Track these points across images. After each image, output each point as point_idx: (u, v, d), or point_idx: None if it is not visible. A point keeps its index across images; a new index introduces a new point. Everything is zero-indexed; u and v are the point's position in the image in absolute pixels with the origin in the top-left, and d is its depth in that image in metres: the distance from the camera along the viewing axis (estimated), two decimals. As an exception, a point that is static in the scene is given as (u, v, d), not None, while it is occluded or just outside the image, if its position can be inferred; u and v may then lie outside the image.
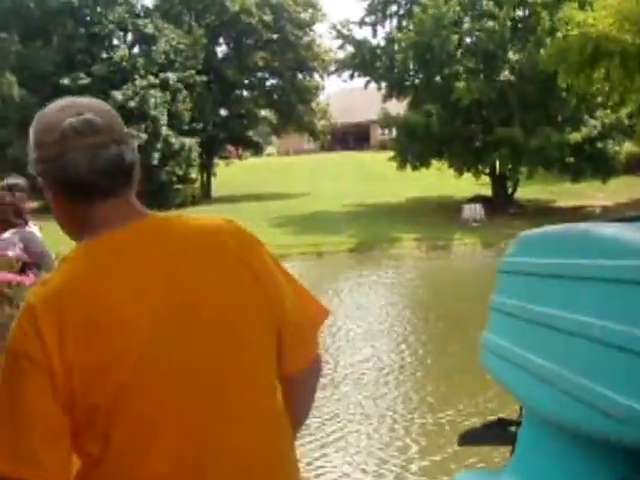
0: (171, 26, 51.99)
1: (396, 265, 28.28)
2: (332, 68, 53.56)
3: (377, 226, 36.38)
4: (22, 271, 3.18)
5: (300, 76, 59.89)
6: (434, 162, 43.52)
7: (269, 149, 74.14)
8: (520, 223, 28.72)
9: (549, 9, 38.59)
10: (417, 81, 44.92)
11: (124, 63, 49.15)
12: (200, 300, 1.83)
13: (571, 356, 2.58)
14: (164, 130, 48.43)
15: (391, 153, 45.14)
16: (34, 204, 7.29)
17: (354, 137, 75.77)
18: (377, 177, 51.55)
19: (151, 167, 47.43)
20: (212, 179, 56.31)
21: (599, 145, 40.14)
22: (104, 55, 50.95)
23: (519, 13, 42.71)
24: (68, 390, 1.70)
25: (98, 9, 50.93)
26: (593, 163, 40.32)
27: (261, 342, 1.92)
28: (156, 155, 47.83)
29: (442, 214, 39.94)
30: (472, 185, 44.02)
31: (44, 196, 1.93)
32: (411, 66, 43.97)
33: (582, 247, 2.69)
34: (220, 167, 57.82)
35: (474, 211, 39.17)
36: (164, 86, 49.49)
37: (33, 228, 4.18)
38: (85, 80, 47.83)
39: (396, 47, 44.45)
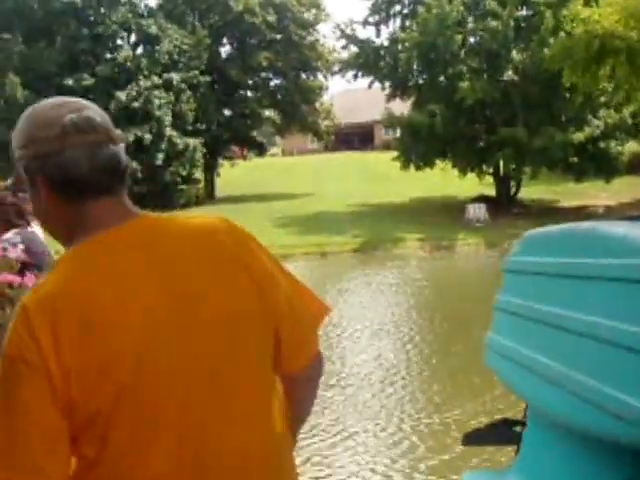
0: (174, 26, 51.98)
1: (400, 265, 28.24)
2: (336, 68, 53.49)
3: (381, 226, 36.36)
4: (22, 272, 3.16)
5: (304, 76, 59.86)
6: (438, 162, 43.51)
7: (273, 149, 74.17)
8: (524, 223, 28.67)
9: (553, 8, 38.51)
10: (421, 81, 44.86)
11: (128, 63, 49.13)
12: (197, 300, 1.82)
13: (577, 356, 2.56)
14: (168, 130, 48.43)
15: (395, 153, 45.10)
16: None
17: (358, 137, 75.76)
18: (381, 177, 51.52)
19: (155, 167, 47.51)
20: (216, 179, 56.30)
21: (602, 145, 40.08)
22: (108, 56, 50.92)
23: (522, 13, 42.64)
24: (67, 394, 1.68)
25: (101, 10, 50.94)
26: (596, 163, 40.26)
27: (258, 341, 1.90)
28: (160, 155, 47.86)
29: (446, 214, 39.90)
30: (476, 185, 43.99)
31: (30, 195, 1.91)
32: (415, 66, 43.90)
33: (588, 246, 2.67)
34: (224, 167, 57.85)
35: (478, 211, 39.11)
36: (168, 86, 49.49)
37: (35, 229, 4.15)
38: (89, 81, 47.88)
39: (400, 47, 44.35)
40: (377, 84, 47.64)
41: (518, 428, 3.53)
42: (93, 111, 1.89)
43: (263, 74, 59.49)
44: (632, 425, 2.20)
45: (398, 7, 47.64)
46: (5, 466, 1.68)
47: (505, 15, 40.03)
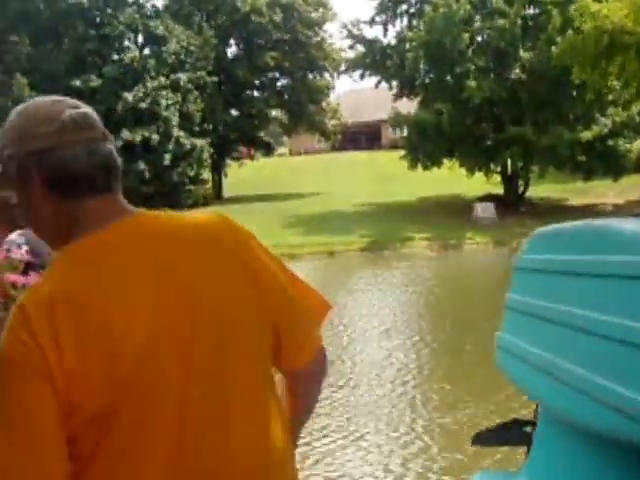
0: (181, 27, 52.09)
1: (408, 265, 28.24)
2: (343, 68, 53.51)
3: (388, 226, 36.37)
4: (26, 272, 3.13)
5: (311, 76, 60.00)
6: (445, 161, 43.51)
7: (281, 149, 74.27)
8: (532, 222, 28.63)
9: (560, 7, 38.47)
10: (428, 80, 44.87)
11: (135, 64, 49.24)
12: (196, 297, 1.79)
13: (590, 355, 2.52)
14: (175, 131, 48.54)
15: (402, 152, 45.12)
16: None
17: (365, 136, 75.76)
18: (388, 176, 51.53)
19: (163, 168, 47.61)
20: (223, 179, 56.43)
21: (610, 143, 40.03)
22: (115, 56, 51.04)
23: (530, 11, 42.65)
24: (67, 396, 1.65)
25: (108, 10, 51.07)
26: (604, 161, 40.20)
27: (258, 339, 1.89)
28: (167, 156, 47.97)
29: (453, 213, 39.89)
30: (483, 184, 44.00)
31: (18, 195, 1.86)
32: (422, 65, 43.89)
33: (600, 243, 2.63)
34: (232, 167, 57.96)
35: (486, 210, 39.08)
36: (175, 87, 49.59)
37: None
38: (96, 82, 47.98)
39: (407, 46, 44.38)
40: (384, 83, 47.68)
41: (529, 428, 3.49)
42: (88, 109, 1.88)
43: (270, 74, 59.65)
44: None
45: (405, 6, 47.68)
46: (7, 472, 1.65)
47: (512, 13, 40.07)
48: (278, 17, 55.50)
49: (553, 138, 38.36)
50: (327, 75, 60.39)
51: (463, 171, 43.46)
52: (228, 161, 58.13)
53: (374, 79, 48.06)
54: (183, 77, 50.28)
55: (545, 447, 3.08)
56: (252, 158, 62.10)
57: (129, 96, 47.28)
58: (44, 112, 1.82)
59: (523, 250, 3.34)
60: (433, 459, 8.10)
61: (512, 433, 3.70)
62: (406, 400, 10.38)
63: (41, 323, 1.66)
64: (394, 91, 46.98)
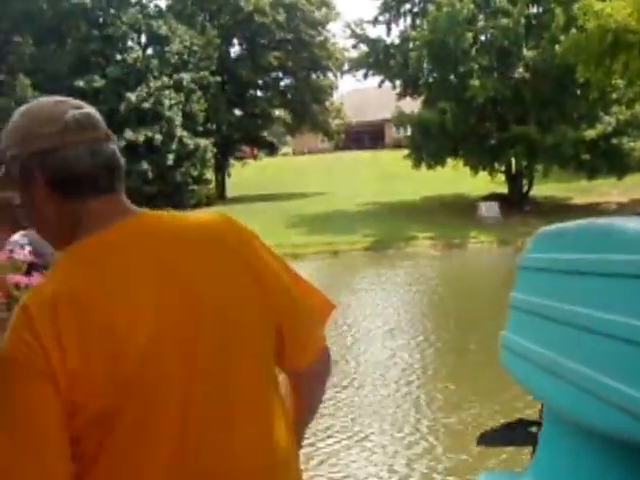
0: (184, 27, 52.08)
1: (412, 264, 28.21)
2: (346, 67, 53.46)
3: (392, 225, 36.34)
4: (29, 273, 3.13)
5: (314, 75, 59.97)
6: (449, 160, 43.46)
7: (284, 149, 74.26)
8: (536, 221, 28.63)
9: (563, 5, 38.42)
10: (431, 79, 44.82)
11: (138, 64, 49.26)
12: (199, 297, 1.79)
13: (594, 355, 2.51)
14: (179, 131, 48.56)
15: (405, 152, 45.11)
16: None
17: (368, 136, 75.73)
18: (392, 176, 51.49)
19: (166, 168, 47.63)
20: (227, 179, 56.42)
21: (614, 142, 39.94)
22: (118, 57, 51.03)
23: (533, 10, 42.62)
24: (70, 396, 1.64)
25: (111, 10, 51.10)
26: (608, 160, 40.10)
27: (261, 339, 1.88)
28: (171, 156, 47.99)
29: (457, 212, 39.86)
30: (487, 183, 43.94)
31: (21, 196, 1.85)
32: (425, 64, 43.85)
33: (605, 242, 2.62)
34: (235, 167, 57.96)
35: (490, 209, 39.06)
36: (178, 87, 49.60)
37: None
38: (99, 82, 48.01)
39: (410, 45, 44.37)
40: (387, 83, 47.67)
41: (534, 429, 3.48)
42: (92, 109, 1.87)
43: (273, 74, 59.65)
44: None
45: (408, 5, 47.64)
46: (10, 473, 1.64)
47: (516, 13, 40.04)
48: (281, 17, 55.49)
49: (557, 137, 38.31)
50: (330, 75, 60.43)
51: (467, 170, 43.42)
52: (231, 161, 58.14)
53: (377, 78, 48.07)
54: (186, 77, 50.28)
55: (550, 447, 3.07)
56: (255, 158, 62.10)
57: (132, 96, 47.30)
58: (47, 113, 1.82)
59: (527, 249, 3.33)
60: (438, 459, 8.07)
61: (517, 433, 3.69)
62: (410, 400, 10.36)
63: (44, 323, 1.65)
64: (397, 90, 46.94)
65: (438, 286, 22.34)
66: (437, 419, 9.43)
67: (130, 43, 52.41)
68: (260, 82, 58.93)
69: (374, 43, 47.52)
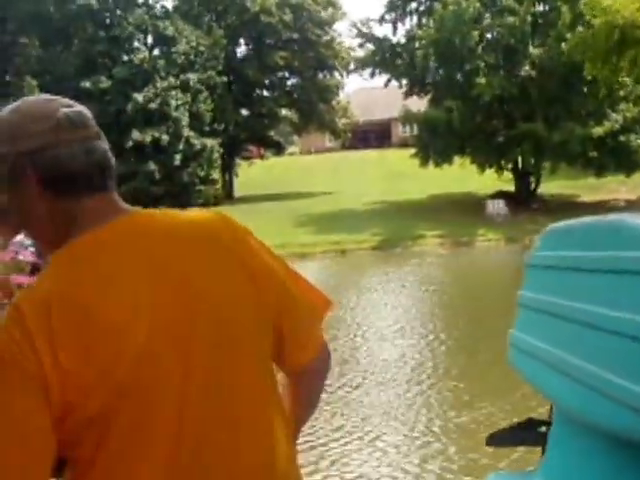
0: (191, 27, 52.17)
1: (420, 263, 28.20)
2: (352, 66, 53.51)
3: (400, 224, 36.36)
4: (32, 273, 3.12)
5: (320, 75, 60.05)
6: (456, 158, 43.48)
7: (291, 148, 74.35)
8: (544, 218, 28.56)
9: (569, 3, 38.39)
10: (438, 78, 44.88)
11: (144, 65, 49.35)
12: (194, 297, 1.76)
13: (603, 353, 2.48)
14: (185, 131, 48.64)
15: (412, 150, 45.17)
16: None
17: (375, 135, 75.78)
18: (399, 174, 51.53)
19: (173, 168, 47.70)
20: (234, 179, 56.51)
21: (622, 139, 39.89)
22: (124, 57, 51.14)
23: (539, 8, 42.62)
24: (63, 398, 1.61)
25: (118, 12, 51.23)
26: (616, 157, 40.07)
27: (259, 338, 1.86)
28: (178, 156, 48.08)
29: (465, 211, 39.85)
30: (495, 181, 43.96)
31: (9, 197, 1.79)
32: (432, 63, 43.89)
33: (614, 238, 2.58)
34: (242, 167, 58.05)
35: (497, 207, 39.08)
36: (185, 87, 49.68)
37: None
38: (106, 83, 48.11)
39: (416, 44, 44.43)
40: (394, 81, 47.70)
41: (543, 428, 3.45)
42: (82, 107, 1.84)
43: (280, 73, 59.73)
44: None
45: (414, 4, 47.71)
46: None
47: (522, 11, 40.09)
48: (288, 17, 55.54)
49: (564, 134, 38.29)
50: (337, 74, 60.48)
51: (474, 168, 43.44)
52: (238, 161, 58.24)
53: (384, 77, 48.17)
54: (193, 77, 50.37)
55: (560, 447, 3.04)
56: (262, 158, 62.17)
57: (139, 97, 47.39)
58: (39, 109, 1.79)
59: (535, 247, 3.30)
60: (451, 459, 8.05)
61: (527, 433, 3.66)
62: (422, 400, 10.34)
63: (36, 323, 1.62)
64: (404, 89, 47.00)
65: (447, 284, 22.33)
66: (449, 419, 9.40)
67: (137, 44, 52.54)
68: (267, 82, 59.01)
69: (380, 42, 47.59)
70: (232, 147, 55.54)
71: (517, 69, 40.99)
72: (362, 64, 49.34)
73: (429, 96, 46.22)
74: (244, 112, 58.61)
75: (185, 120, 48.69)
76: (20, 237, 3.84)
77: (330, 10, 58.66)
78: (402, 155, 50.38)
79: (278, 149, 62.69)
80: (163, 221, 1.85)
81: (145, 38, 53.16)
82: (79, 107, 1.83)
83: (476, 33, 40.70)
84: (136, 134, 45.43)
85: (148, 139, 46.27)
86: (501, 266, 25.76)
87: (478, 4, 40.92)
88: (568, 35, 36.18)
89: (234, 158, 57.05)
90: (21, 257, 3.12)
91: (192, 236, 1.83)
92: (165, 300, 1.72)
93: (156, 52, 52.45)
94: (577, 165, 41.80)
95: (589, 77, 31.94)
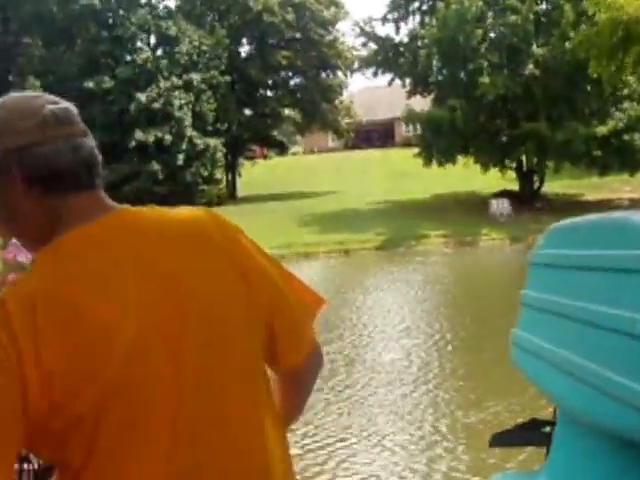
0: (194, 27, 52.22)
1: (424, 262, 28.21)
2: (355, 66, 53.55)
3: (403, 223, 36.37)
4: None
5: (323, 74, 60.08)
6: (460, 158, 43.48)
7: (295, 148, 74.39)
8: (548, 218, 28.52)
9: (572, 1, 38.37)
10: (441, 77, 44.90)
11: (148, 65, 49.41)
12: (183, 295, 1.74)
13: (607, 352, 2.46)
14: (189, 131, 48.69)
15: (415, 150, 45.15)
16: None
17: (378, 134, 75.82)
18: (402, 174, 51.52)
19: (176, 168, 47.75)
20: (237, 179, 56.55)
21: (626, 138, 39.87)
22: (127, 58, 51.17)
23: (542, 7, 42.61)
24: (47, 397, 1.58)
25: (121, 12, 51.28)
26: (620, 156, 40.06)
27: (249, 336, 1.84)
28: (181, 156, 48.13)
29: (468, 210, 39.84)
30: (498, 180, 43.97)
31: None
32: (435, 62, 43.92)
33: (619, 237, 2.56)
34: (245, 167, 58.10)
35: (501, 206, 39.05)
36: (188, 87, 49.73)
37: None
38: (109, 83, 48.17)
39: (419, 43, 44.48)
40: (397, 81, 47.72)
41: (548, 428, 3.43)
42: (69, 104, 1.82)
43: (283, 73, 59.74)
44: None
45: (417, 3, 47.75)
46: None
47: (525, 10, 40.08)
48: (290, 16, 55.56)
49: (568, 133, 38.29)
50: (340, 73, 60.50)
51: (478, 168, 43.45)
52: (241, 160, 58.28)
53: (387, 77, 48.22)
54: (196, 77, 50.40)
55: (564, 447, 3.02)
56: (265, 157, 62.21)
57: (142, 97, 47.43)
58: (24, 106, 1.76)
59: (539, 245, 3.28)
60: (459, 459, 8.03)
61: (531, 433, 3.64)
62: (428, 399, 10.32)
63: (21, 321, 1.59)
64: (407, 88, 47.00)
65: (451, 284, 22.33)
66: (457, 418, 9.38)
67: (139, 44, 52.57)
68: (269, 81, 59.03)
69: (383, 41, 47.64)
70: (235, 147, 55.58)
71: (521, 68, 40.99)
72: (365, 63, 49.41)
73: (432, 95, 46.24)
74: (247, 112, 58.66)
75: (188, 120, 48.74)
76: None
77: (333, 9, 58.68)
78: (405, 155, 50.36)
79: (281, 149, 62.71)
80: (152, 219, 1.82)
81: (148, 38, 53.22)
82: (65, 104, 1.80)
83: (479, 32, 40.72)
84: (139, 134, 45.49)
85: (151, 139, 46.31)
86: (505, 265, 25.75)
87: (481, 3, 40.94)
88: (572, 34, 36.18)
89: (237, 158, 57.09)
90: (20, 258, 3.08)
91: (182, 234, 1.81)
92: (154, 298, 1.69)
93: (159, 52, 52.53)
94: (581, 164, 41.79)
95: (594, 75, 31.84)
